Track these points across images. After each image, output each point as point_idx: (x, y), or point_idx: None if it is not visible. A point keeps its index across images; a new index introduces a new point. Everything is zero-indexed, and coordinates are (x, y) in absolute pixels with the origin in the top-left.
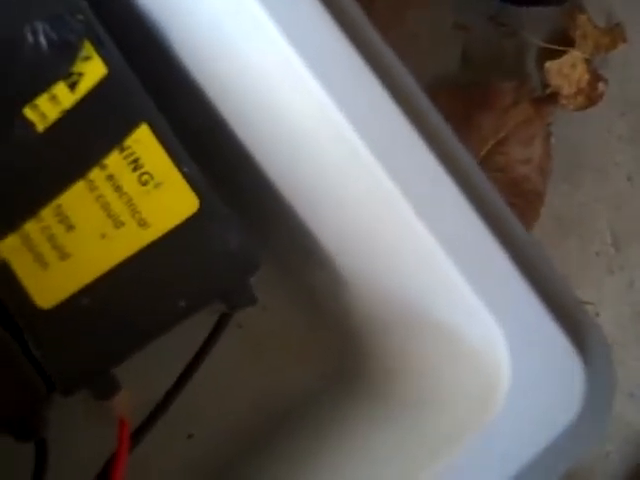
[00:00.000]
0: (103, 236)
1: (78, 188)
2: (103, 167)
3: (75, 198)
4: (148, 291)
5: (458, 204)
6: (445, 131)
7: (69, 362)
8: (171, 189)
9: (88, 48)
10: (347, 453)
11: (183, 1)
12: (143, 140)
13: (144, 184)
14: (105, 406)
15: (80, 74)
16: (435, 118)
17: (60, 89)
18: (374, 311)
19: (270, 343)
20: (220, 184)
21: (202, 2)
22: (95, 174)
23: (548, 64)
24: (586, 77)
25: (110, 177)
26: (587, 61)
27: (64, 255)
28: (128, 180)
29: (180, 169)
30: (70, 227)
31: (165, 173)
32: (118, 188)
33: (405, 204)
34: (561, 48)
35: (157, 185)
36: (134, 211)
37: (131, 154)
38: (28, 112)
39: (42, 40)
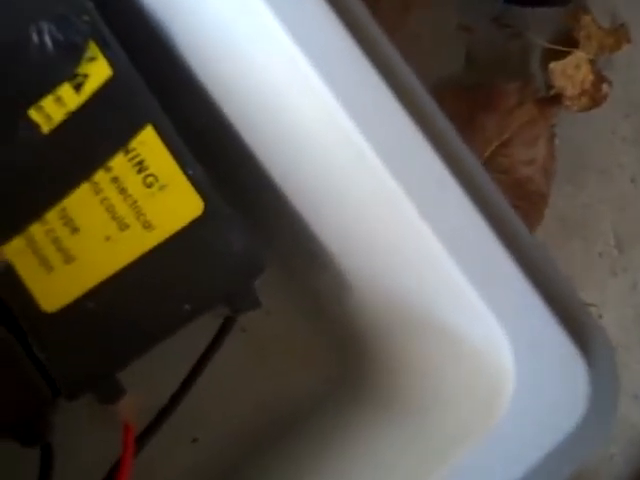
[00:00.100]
0: (108, 239)
1: (83, 190)
2: (108, 169)
3: (80, 200)
4: (152, 294)
5: (462, 206)
6: (449, 132)
7: (74, 366)
8: (176, 191)
9: (93, 49)
10: (352, 457)
11: (188, 1)
12: (148, 142)
13: (149, 186)
14: (110, 410)
15: (85, 75)
16: (440, 119)
17: (65, 90)
18: (378, 314)
19: (274, 347)
20: (224, 185)
21: (207, 2)
22: (100, 176)
23: (552, 65)
24: (590, 78)
25: (115, 179)
26: (591, 62)
27: (69, 258)
28: (133, 182)
29: (185, 171)
30: (75, 230)
31: (170, 175)
32: (123, 190)
33: (409, 205)
34: (565, 49)
35: (162, 187)
36: (139, 213)
37: (136, 156)
38: (33, 113)
39: (47, 41)
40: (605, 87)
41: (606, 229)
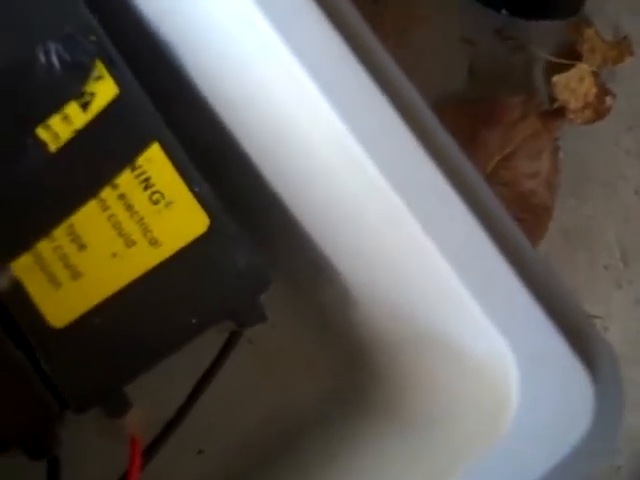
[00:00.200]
0: (114, 255)
1: (90, 207)
2: (115, 186)
3: (87, 217)
4: (158, 310)
5: (465, 221)
6: (452, 147)
7: (81, 380)
8: (182, 208)
9: (100, 68)
10: (357, 470)
11: (192, 18)
12: (154, 159)
13: (155, 203)
14: (117, 424)
15: (92, 94)
16: (441, 134)
17: (72, 109)
18: (383, 329)
19: (280, 359)
20: (229, 201)
21: (213, 20)
22: (107, 193)
23: (555, 78)
24: (593, 91)
25: (122, 196)
26: (594, 75)
27: (76, 274)
28: (139, 199)
29: (191, 188)
30: (82, 246)
31: (176, 192)
32: (129, 207)
33: (412, 221)
34: (568, 62)
35: (168, 204)
36: (145, 230)
37: (142, 173)
38: (41, 132)
39: (54, 60)
40: (608, 100)
41: (611, 241)
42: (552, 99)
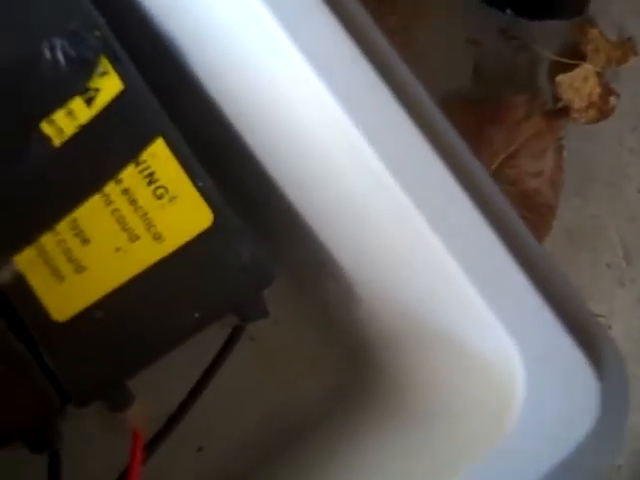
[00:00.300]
0: (118, 250)
1: (94, 202)
2: (119, 181)
3: (91, 212)
4: (162, 304)
5: (472, 218)
6: (459, 145)
7: (83, 374)
8: (186, 203)
9: (105, 64)
10: (359, 467)
11: (197, 15)
12: (158, 154)
13: (159, 198)
14: (119, 418)
15: (97, 89)
16: (449, 132)
17: (77, 104)
18: (387, 326)
19: (283, 356)
20: (233, 196)
21: (217, 16)
22: (111, 188)
23: (560, 78)
24: (597, 91)
25: (125, 191)
26: (599, 75)
27: (79, 268)
28: (143, 194)
29: (195, 183)
30: (85, 240)
31: (180, 187)
32: (133, 202)
33: (419, 218)
34: (573, 62)
35: (172, 199)
36: (149, 225)
37: (146, 168)
38: (45, 127)
39: (60, 56)
40: (612, 99)
41: (614, 240)
42: (556, 99)
